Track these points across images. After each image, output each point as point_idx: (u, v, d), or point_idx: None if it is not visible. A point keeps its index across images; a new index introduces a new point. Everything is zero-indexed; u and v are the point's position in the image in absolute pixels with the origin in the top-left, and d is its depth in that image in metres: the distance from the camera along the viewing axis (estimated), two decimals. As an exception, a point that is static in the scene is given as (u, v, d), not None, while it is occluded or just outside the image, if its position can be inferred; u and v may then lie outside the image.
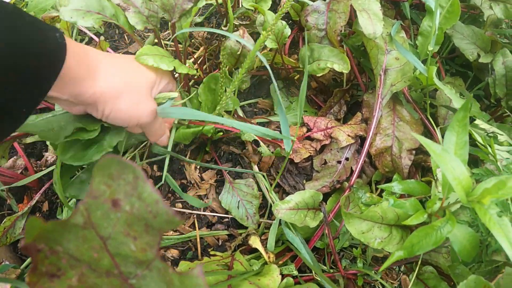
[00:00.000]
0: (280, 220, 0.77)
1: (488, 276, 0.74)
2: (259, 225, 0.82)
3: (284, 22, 0.77)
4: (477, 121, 0.75)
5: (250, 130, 0.60)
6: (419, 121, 0.81)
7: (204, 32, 0.93)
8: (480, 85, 0.92)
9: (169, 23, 0.70)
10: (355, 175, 0.78)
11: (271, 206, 0.81)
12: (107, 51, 0.74)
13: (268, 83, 0.90)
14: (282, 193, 0.85)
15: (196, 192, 0.82)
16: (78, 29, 0.95)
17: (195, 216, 0.82)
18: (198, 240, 0.80)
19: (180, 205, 0.82)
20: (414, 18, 0.98)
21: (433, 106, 0.89)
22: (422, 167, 0.85)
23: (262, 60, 0.64)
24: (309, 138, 0.84)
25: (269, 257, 0.75)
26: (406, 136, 0.78)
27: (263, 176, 0.82)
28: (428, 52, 0.86)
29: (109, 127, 0.61)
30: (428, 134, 0.84)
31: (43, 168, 0.80)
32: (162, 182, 0.78)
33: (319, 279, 0.77)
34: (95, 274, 0.36)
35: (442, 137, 0.84)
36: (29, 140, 0.82)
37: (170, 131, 0.74)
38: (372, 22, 0.71)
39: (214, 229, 0.82)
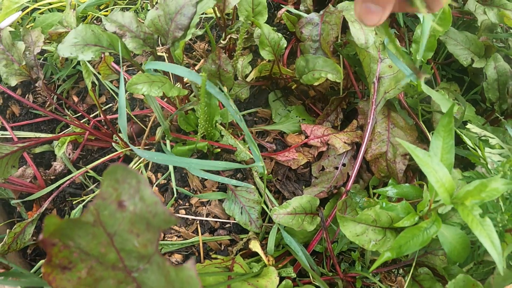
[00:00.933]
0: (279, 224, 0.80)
1: (486, 277, 0.76)
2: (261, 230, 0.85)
3: (280, 35, 0.81)
4: (469, 125, 0.77)
5: (210, 167, 0.66)
6: (414, 127, 0.83)
7: (205, 44, 0.97)
8: (476, 89, 0.93)
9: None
10: (351, 180, 0.80)
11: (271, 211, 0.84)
12: (112, 66, 0.79)
13: (267, 92, 0.93)
14: (282, 198, 0.87)
15: (199, 199, 0.86)
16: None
17: (198, 222, 0.85)
18: (201, 244, 0.83)
19: (183, 211, 0.86)
20: (410, 26, 1.01)
21: (429, 112, 0.91)
22: (419, 171, 0.87)
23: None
24: (307, 145, 0.87)
25: (268, 260, 0.78)
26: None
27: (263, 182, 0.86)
28: (422, 60, 0.89)
29: None
30: (425, 139, 0.86)
31: (52, 177, 0.84)
32: (174, 190, 0.82)
33: (317, 282, 0.79)
34: (102, 267, 0.40)
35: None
36: (38, 150, 0.86)
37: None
38: (364, 32, 0.74)
39: (217, 235, 0.85)
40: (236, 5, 0.80)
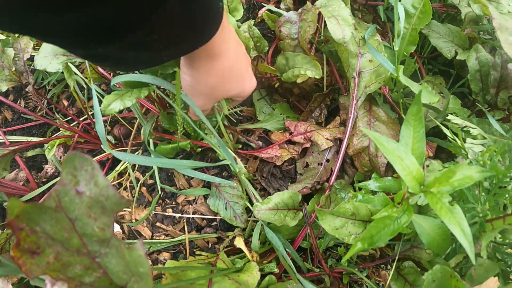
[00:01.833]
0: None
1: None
2: (246, 227, 0.85)
3: (258, 32, 0.81)
4: (450, 116, 0.76)
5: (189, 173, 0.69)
6: (396, 121, 0.83)
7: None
8: (461, 82, 0.93)
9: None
10: (334, 175, 0.80)
11: (256, 208, 0.84)
12: (99, 70, 0.81)
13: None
14: (267, 196, 0.88)
15: (185, 198, 0.87)
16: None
17: (184, 220, 0.86)
18: (187, 242, 0.84)
19: (170, 210, 0.87)
20: (395, 21, 1.01)
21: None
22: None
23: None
24: (292, 142, 0.88)
25: (252, 256, 0.79)
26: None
27: (248, 180, 0.86)
28: (404, 54, 0.89)
29: None
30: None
31: (44, 180, 0.86)
32: (159, 189, 0.84)
33: (301, 279, 0.80)
34: (68, 253, 0.42)
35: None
36: (29, 153, 0.89)
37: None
38: (341, 27, 0.74)
39: (204, 232, 0.86)
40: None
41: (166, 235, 0.86)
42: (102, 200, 0.39)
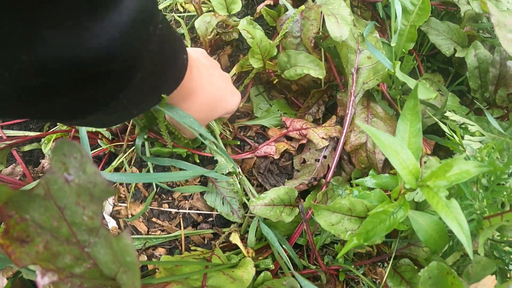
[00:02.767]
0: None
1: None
2: (242, 223, 0.85)
3: (272, 42, 0.80)
4: (448, 113, 0.76)
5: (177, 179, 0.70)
6: (394, 117, 0.82)
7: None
8: (460, 80, 0.92)
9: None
10: (331, 172, 0.80)
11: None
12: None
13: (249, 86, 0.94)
14: (264, 192, 0.87)
15: (182, 193, 0.87)
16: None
17: (180, 216, 0.86)
18: (182, 237, 0.84)
19: (166, 205, 0.87)
20: (391, 17, 1.00)
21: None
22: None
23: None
24: (289, 138, 0.88)
25: (248, 252, 0.78)
26: (379, 131, 0.79)
27: (245, 176, 0.86)
28: (403, 51, 0.89)
29: None
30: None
31: (40, 175, 0.86)
32: (154, 185, 0.83)
33: (297, 275, 0.79)
34: (58, 242, 0.41)
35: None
36: (26, 148, 0.89)
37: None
38: (339, 26, 0.74)
39: (200, 228, 0.86)
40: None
41: (162, 231, 0.86)
42: (90, 187, 0.39)
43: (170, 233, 0.85)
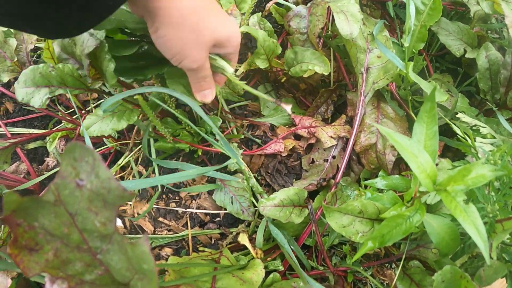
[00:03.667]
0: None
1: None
2: (250, 223, 0.84)
3: (275, 41, 0.78)
4: (460, 115, 0.75)
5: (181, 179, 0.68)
6: (404, 118, 0.82)
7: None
8: (469, 80, 0.92)
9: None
10: (340, 172, 0.79)
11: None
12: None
13: (258, 85, 0.93)
14: (272, 192, 0.87)
15: (189, 193, 0.86)
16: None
17: (187, 215, 0.85)
18: (190, 238, 0.83)
19: (173, 204, 0.86)
20: (402, 18, 1.00)
21: (421, 102, 0.89)
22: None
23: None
24: (297, 138, 0.87)
25: (256, 253, 0.77)
26: (390, 132, 0.79)
27: (255, 176, 0.85)
28: (413, 51, 0.88)
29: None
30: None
31: (45, 173, 0.85)
32: (159, 185, 0.82)
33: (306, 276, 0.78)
34: (68, 249, 0.39)
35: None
36: (31, 146, 0.87)
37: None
38: (349, 23, 0.73)
39: (207, 228, 0.85)
40: (219, -4, 0.80)
41: (169, 230, 0.85)
42: (104, 193, 0.37)
43: (177, 233, 0.84)
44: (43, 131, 0.87)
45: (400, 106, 0.84)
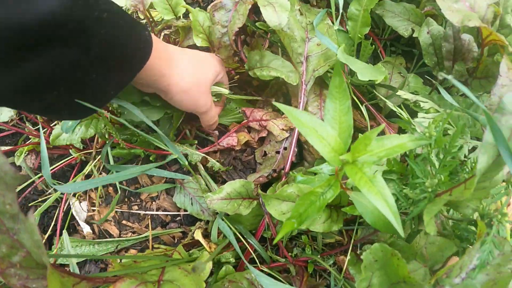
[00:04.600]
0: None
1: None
2: (212, 220, 0.85)
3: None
4: (399, 92, 0.74)
5: (128, 176, 0.73)
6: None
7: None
8: (422, 61, 0.90)
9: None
10: (288, 162, 0.79)
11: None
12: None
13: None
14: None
15: (149, 195, 0.88)
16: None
17: (149, 217, 0.87)
18: (150, 238, 0.85)
19: (136, 207, 0.88)
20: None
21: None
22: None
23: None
24: (249, 130, 0.88)
25: (210, 248, 0.79)
26: (333, 117, 0.78)
27: (210, 174, 0.87)
28: (359, 36, 0.88)
29: None
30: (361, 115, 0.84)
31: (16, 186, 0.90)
32: (118, 188, 0.86)
33: (265, 269, 0.79)
34: None
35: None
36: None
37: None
38: (278, 14, 0.74)
39: (169, 228, 0.87)
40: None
41: (133, 232, 0.88)
42: (2, 175, 0.42)
43: (141, 234, 0.87)
44: (12, 147, 0.93)
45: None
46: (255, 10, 0.88)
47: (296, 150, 0.81)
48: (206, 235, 0.84)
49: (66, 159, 0.92)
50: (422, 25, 0.87)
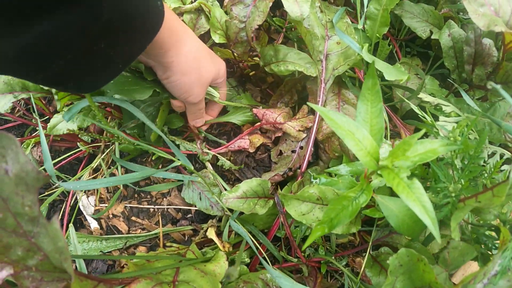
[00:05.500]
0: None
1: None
2: (221, 218, 0.84)
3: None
4: (421, 95, 0.74)
5: (133, 179, 0.69)
6: (368, 103, 0.80)
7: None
8: (439, 62, 0.90)
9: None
10: (305, 162, 0.78)
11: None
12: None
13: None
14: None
15: (159, 191, 0.86)
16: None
17: (159, 213, 0.86)
18: (161, 235, 0.83)
19: (145, 203, 0.86)
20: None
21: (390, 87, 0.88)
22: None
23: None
24: (263, 130, 0.86)
25: (224, 247, 0.77)
26: (352, 118, 0.78)
27: (222, 172, 0.85)
28: (377, 35, 0.87)
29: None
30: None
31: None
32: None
33: (276, 270, 0.78)
34: (6, 234, 0.42)
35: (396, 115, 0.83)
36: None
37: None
38: (299, 4, 0.72)
39: (179, 225, 0.85)
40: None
41: (143, 229, 0.86)
42: (24, 176, 0.40)
43: (150, 231, 0.85)
44: (19, 138, 0.90)
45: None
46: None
47: (313, 149, 0.79)
48: (219, 233, 0.82)
49: (74, 151, 0.89)
50: (440, 27, 0.87)
